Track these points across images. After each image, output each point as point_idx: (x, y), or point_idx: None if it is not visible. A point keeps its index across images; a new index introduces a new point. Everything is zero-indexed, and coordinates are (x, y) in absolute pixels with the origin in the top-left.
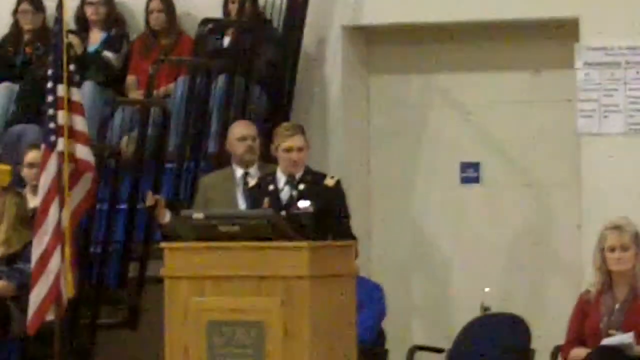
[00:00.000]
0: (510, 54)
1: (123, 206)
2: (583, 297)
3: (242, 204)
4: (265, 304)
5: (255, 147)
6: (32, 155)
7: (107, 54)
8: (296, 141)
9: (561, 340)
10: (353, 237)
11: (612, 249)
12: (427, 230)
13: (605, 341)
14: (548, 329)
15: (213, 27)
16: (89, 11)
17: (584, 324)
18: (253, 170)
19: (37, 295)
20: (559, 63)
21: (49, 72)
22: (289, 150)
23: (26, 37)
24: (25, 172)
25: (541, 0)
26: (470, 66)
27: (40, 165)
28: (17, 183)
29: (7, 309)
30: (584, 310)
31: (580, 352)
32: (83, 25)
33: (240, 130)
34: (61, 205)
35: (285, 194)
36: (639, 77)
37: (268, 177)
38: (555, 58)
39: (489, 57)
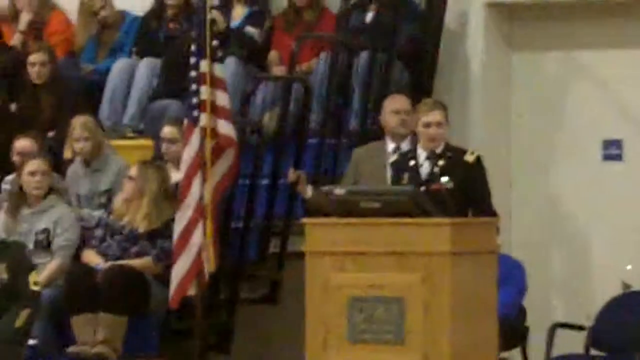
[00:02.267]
0: None
1: (265, 182)
2: None
3: (390, 178)
4: (406, 280)
5: (409, 121)
6: (168, 131)
7: (250, 29)
8: (434, 116)
9: None
10: (494, 214)
11: None
12: (568, 207)
13: None
14: None
15: (356, 3)
16: None
17: None
18: (405, 144)
19: (179, 269)
20: None
21: (192, 47)
22: (427, 125)
23: (169, 12)
24: (164, 148)
25: None
26: (611, 42)
27: (183, 140)
28: (160, 158)
29: (147, 284)
30: None
31: None
32: (226, 0)
33: (395, 104)
34: (203, 180)
35: (425, 169)
36: None
37: (409, 153)
38: None
39: (630, 33)
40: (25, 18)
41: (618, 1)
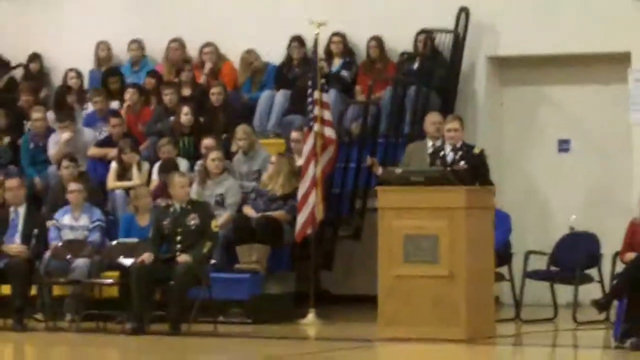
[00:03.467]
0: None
1: (352, 165)
2: (633, 221)
3: (428, 163)
4: (439, 225)
5: (441, 128)
6: (295, 134)
7: (343, 72)
8: (453, 124)
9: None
10: (491, 184)
11: None
12: (537, 179)
13: None
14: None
15: (407, 57)
16: (333, 47)
17: (633, 238)
18: (438, 142)
19: (301, 217)
20: None
21: (309, 83)
22: (449, 130)
23: (295, 62)
24: (292, 145)
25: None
26: (563, 83)
27: (303, 140)
28: (290, 150)
29: (282, 227)
30: (633, 230)
31: (631, 255)
32: (329, 55)
33: (433, 118)
34: (316, 164)
35: (450, 157)
36: None
37: (440, 147)
38: None
39: (584, 75)
40: (208, 66)
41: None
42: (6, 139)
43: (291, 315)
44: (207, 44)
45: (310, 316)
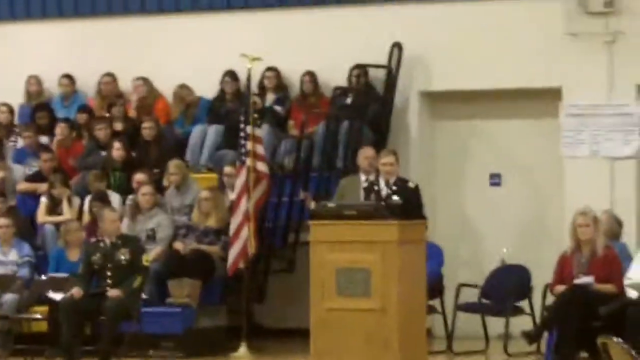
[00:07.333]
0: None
1: (285, 199)
2: (563, 254)
3: (362, 197)
4: (371, 257)
5: (374, 163)
6: (227, 170)
7: (277, 107)
8: (389, 159)
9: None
10: (424, 218)
11: (580, 225)
12: (469, 213)
13: (576, 281)
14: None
15: (341, 91)
16: (266, 81)
17: (563, 271)
18: (371, 176)
19: (233, 251)
20: None
21: (241, 118)
22: (384, 165)
23: (228, 97)
24: (225, 179)
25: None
26: (495, 117)
27: (236, 174)
28: (222, 185)
29: (213, 261)
30: (564, 263)
31: (561, 287)
32: (262, 89)
33: (365, 153)
34: (248, 198)
35: (384, 191)
36: None
37: (374, 181)
38: None
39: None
40: (134, 99)
41: (506, 89)
42: None
43: (223, 349)
44: (136, 79)
45: (242, 350)
